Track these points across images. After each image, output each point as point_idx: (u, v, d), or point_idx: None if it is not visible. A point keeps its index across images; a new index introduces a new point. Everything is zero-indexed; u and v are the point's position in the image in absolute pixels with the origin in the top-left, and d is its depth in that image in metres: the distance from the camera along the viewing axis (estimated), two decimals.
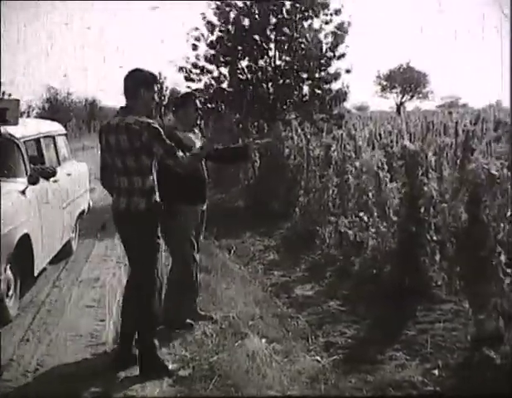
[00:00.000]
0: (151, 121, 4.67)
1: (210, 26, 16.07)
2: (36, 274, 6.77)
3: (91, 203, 10.27)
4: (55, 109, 44.76)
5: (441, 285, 6.34)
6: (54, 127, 9.10)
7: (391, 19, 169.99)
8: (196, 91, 15.53)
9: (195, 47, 16.20)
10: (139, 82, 4.80)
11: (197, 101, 5.93)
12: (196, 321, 5.88)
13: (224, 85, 16.28)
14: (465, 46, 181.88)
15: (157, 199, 4.80)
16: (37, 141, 7.80)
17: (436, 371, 4.73)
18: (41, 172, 7.07)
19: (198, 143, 5.72)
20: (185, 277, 5.72)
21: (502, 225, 5.01)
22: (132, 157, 4.65)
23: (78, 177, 9.33)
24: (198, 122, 6.18)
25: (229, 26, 15.85)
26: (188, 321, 5.81)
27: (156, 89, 4.94)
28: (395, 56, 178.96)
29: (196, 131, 6.07)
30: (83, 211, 9.54)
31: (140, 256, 4.79)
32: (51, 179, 7.33)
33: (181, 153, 4.77)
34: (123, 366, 4.88)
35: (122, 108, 4.83)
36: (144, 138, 4.58)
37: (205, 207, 5.93)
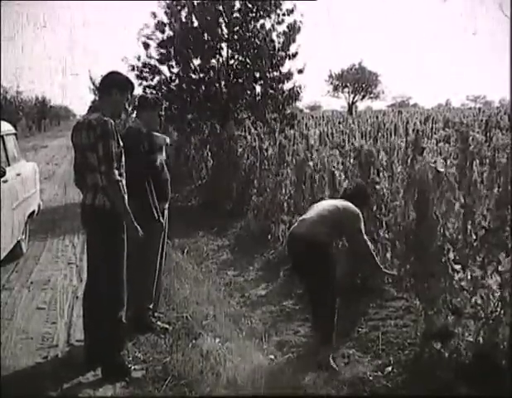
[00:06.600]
0: (109, 120, 4.58)
1: (161, 26, 15.95)
2: None
3: (41, 204, 10.10)
4: (3, 108, 43.79)
5: (393, 282, 6.43)
6: (3, 126, 8.92)
7: (343, 19, 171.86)
8: (148, 88, 15.43)
9: (146, 46, 16.06)
10: (111, 83, 4.80)
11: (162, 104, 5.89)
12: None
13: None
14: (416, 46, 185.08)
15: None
16: None
17: (388, 368, 4.81)
18: None
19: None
20: (146, 279, 5.65)
21: (451, 222, 5.12)
22: (91, 152, 4.57)
23: (28, 178, 9.16)
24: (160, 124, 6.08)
25: (180, 26, 15.74)
26: (163, 325, 5.75)
27: (127, 94, 4.88)
28: (347, 56, 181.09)
29: (159, 134, 5.99)
30: (33, 212, 9.37)
31: (103, 255, 4.65)
32: (1, 179, 7.19)
33: (117, 176, 4.58)
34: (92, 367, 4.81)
35: (90, 107, 4.80)
36: (96, 134, 4.52)
37: (167, 206, 5.86)
